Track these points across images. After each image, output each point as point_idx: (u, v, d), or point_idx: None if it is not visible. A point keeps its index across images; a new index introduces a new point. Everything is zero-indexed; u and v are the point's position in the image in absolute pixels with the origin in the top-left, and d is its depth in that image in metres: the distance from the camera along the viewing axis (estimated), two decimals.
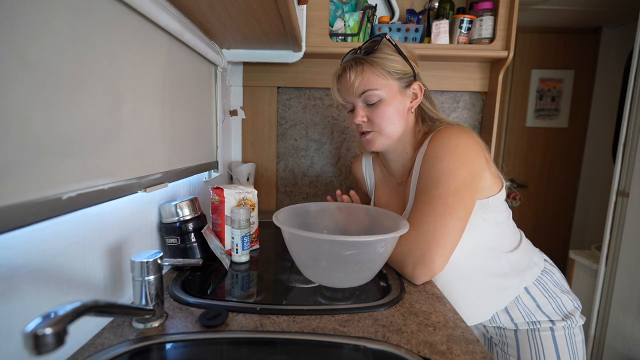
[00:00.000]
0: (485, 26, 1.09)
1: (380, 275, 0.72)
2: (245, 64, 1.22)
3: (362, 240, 0.61)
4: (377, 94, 0.71)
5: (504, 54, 1.09)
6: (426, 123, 0.78)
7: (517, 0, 1.05)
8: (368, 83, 0.71)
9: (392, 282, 0.67)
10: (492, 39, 1.10)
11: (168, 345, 0.48)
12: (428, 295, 0.63)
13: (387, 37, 0.72)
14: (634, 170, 1.40)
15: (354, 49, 0.76)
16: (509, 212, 0.77)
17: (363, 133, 0.76)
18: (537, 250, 0.82)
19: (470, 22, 1.09)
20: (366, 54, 0.72)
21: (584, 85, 2.23)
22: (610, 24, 2.11)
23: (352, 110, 0.77)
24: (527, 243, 0.79)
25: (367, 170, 0.93)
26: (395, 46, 0.73)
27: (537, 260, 0.78)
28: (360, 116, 0.74)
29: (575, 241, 2.31)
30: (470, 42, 1.12)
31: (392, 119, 0.73)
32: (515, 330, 0.76)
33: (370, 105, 0.73)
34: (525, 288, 0.74)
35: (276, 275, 0.72)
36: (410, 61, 0.73)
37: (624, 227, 1.43)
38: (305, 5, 1.03)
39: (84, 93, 0.44)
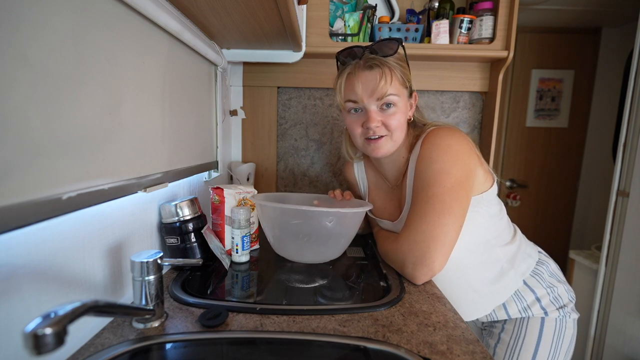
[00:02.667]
0: (485, 26, 1.09)
1: (380, 275, 0.72)
2: (245, 64, 1.22)
3: (306, 209, 0.64)
4: (395, 100, 0.70)
5: (504, 54, 1.09)
6: (416, 127, 0.79)
7: (517, 0, 1.05)
8: (392, 87, 0.69)
9: (392, 282, 0.67)
10: (492, 39, 1.10)
11: (168, 345, 0.48)
12: (428, 295, 0.63)
13: (402, 44, 0.72)
14: (634, 170, 1.40)
15: (360, 47, 0.72)
16: (502, 205, 0.78)
17: (371, 138, 0.72)
18: (530, 243, 0.83)
19: (470, 22, 1.09)
20: (385, 56, 0.70)
21: (584, 85, 2.23)
22: (610, 24, 2.11)
23: (354, 112, 0.73)
24: (521, 236, 0.81)
25: (359, 175, 0.93)
26: (406, 55, 0.74)
27: (531, 252, 0.79)
28: (377, 120, 0.70)
29: (575, 241, 2.31)
30: (470, 42, 1.12)
31: (403, 126, 0.73)
32: (506, 320, 0.78)
33: (383, 110, 0.71)
34: (524, 281, 0.75)
35: (276, 275, 0.72)
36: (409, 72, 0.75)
37: (624, 227, 1.43)
38: (305, 5, 1.02)
39: (84, 93, 0.44)
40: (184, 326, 0.51)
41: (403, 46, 0.72)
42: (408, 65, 0.74)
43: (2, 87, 0.32)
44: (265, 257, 0.83)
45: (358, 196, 0.97)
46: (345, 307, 0.57)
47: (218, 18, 0.74)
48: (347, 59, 0.74)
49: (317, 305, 0.59)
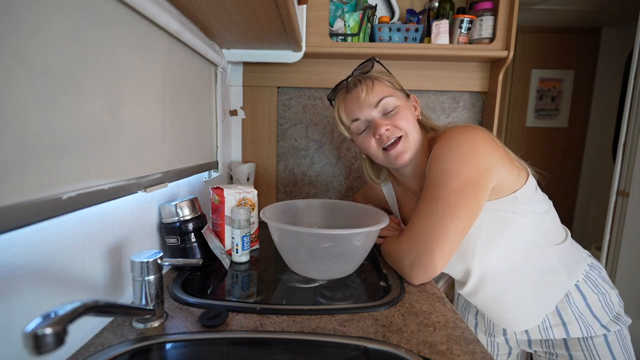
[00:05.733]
0: (485, 26, 1.09)
1: (380, 275, 0.72)
2: (245, 64, 1.22)
3: (338, 233, 0.62)
4: (393, 101, 0.72)
5: (504, 54, 1.09)
6: (429, 132, 0.78)
7: (517, 0, 1.05)
8: (382, 92, 0.72)
9: (392, 282, 0.67)
10: (492, 39, 1.10)
11: (168, 345, 0.48)
12: (428, 295, 0.63)
13: (376, 59, 0.77)
14: (634, 170, 1.40)
15: (344, 80, 0.78)
16: (550, 203, 0.73)
17: (386, 148, 0.72)
18: (580, 246, 0.78)
19: (470, 22, 1.09)
20: (364, 73, 0.76)
21: (584, 85, 2.23)
22: (610, 24, 2.11)
23: (364, 131, 0.75)
24: (571, 239, 0.76)
25: (388, 194, 0.92)
26: (385, 68, 0.78)
27: (584, 255, 0.74)
28: (385, 124, 0.70)
29: (575, 241, 2.31)
30: (470, 42, 1.12)
31: (414, 124, 0.73)
32: (565, 340, 0.71)
33: (387, 115, 0.72)
34: (576, 284, 0.69)
35: (276, 275, 0.72)
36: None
37: (624, 227, 1.43)
38: (305, 5, 1.02)
39: (84, 93, 0.44)
40: (184, 326, 0.51)
41: (379, 62, 0.77)
42: (391, 74, 0.78)
43: (2, 87, 0.32)
44: (265, 257, 0.83)
45: (377, 199, 0.97)
46: (345, 307, 0.57)
47: (218, 18, 0.74)
48: (336, 92, 0.81)
49: (317, 305, 0.59)
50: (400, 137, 0.72)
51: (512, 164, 0.67)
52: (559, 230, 0.74)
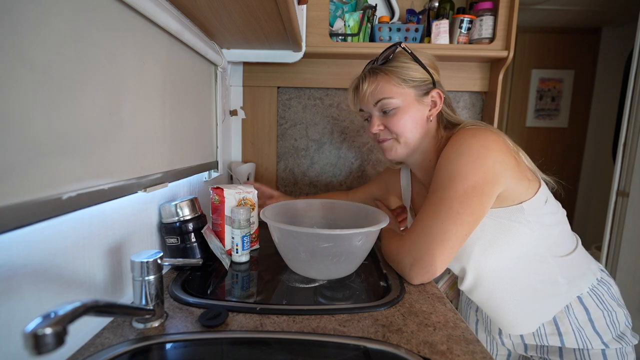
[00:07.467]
0: (485, 26, 1.09)
1: (380, 275, 0.72)
2: (245, 64, 1.22)
3: (338, 234, 0.63)
4: (392, 102, 0.70)
5: (504, 54, 1.09)
6: (448, 129, 0.75)
7: (517, 0, 1.05)
8: (382, 92, 0.71)
9: (392, 282, 0.67)
10: (492, 39, 1.10)
11: (168, 345, 0.48)
12: (428, 295, 0.63)
13: (403, 45, 0.72)
14: (634, 170, 1.40)
15: (372, 60, 0.76)
16: (562, 213, 0.72)
17: (380, 141, 0.76)
18: (592, 258, 0.75)
19: (470, 22, 1.09)
20: (382, 63, 0.73)
21: (584, 85, 2.23)
22: (610, 24, 2.12)
23: (368, 120, 0.77)
24: (582, 249, 0.73)
25: (405, 180, 0.91)
26: (412, 54, 0.72)
27: (593, 268, 0.71)
28: (377, 125, 0.73)
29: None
30: (470, 42, 1.12)
31: (410, 127, 0.71)
32: (560, 349, 0.69)
33: (386, 114, 0.72)
34: (579, 297, 0.67)
35: (276, 275, 0.72)
36: (428, 68, 0.72)
37: (624, 227, 1.43)
38: (305, 5, 1.02)
39: (85, 93, 0.44)
40: (184, 326, 0.51)
41: (403, 47, 0.72)
42: (419, 62, 0.71)
43: (4, 88, 0.32)
44: (265, 257, 0.83)
45: (385, 191, 0.98)
46: (345, 307, 0.57)
47: (218, 18, 0.74)
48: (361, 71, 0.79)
49: (317, 305, 0.59)
50: (390, 139, 0.74)
51: (522, 174, 0.65)
52: (568, 242, 0.71)
